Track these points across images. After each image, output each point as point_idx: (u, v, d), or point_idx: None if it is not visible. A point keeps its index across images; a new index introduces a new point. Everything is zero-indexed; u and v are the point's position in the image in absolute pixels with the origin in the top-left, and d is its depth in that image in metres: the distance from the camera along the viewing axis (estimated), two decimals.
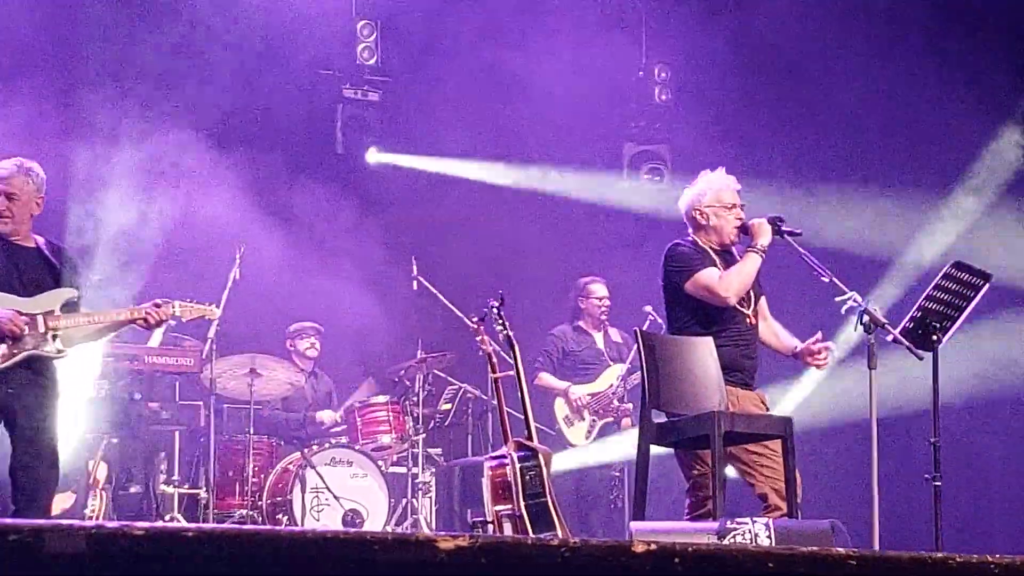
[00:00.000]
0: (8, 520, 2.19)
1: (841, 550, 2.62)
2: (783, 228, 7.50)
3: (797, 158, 13.26)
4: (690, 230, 7.65)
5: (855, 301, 7.34)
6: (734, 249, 7.59)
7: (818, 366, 7.66)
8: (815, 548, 2.63)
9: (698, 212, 7.57)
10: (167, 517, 10.11)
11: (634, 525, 6.59)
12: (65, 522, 2.18)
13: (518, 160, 13.30)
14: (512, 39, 13.00)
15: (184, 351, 10.32)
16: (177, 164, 11.64)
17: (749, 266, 7.41)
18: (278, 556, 2.30)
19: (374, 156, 13.06)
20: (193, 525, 3.36)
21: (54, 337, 7.11)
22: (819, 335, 7.67)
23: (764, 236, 7.43)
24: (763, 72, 13.33)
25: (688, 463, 7.35)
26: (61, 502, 9.12)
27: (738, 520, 6.28)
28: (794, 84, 13.25)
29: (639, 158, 13.83)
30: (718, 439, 6.71)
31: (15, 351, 6.98)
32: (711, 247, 7.52)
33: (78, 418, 9.72)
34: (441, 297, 10.80)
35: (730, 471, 7.33)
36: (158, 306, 7.42)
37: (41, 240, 7.33)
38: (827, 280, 7.43)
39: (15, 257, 7.18)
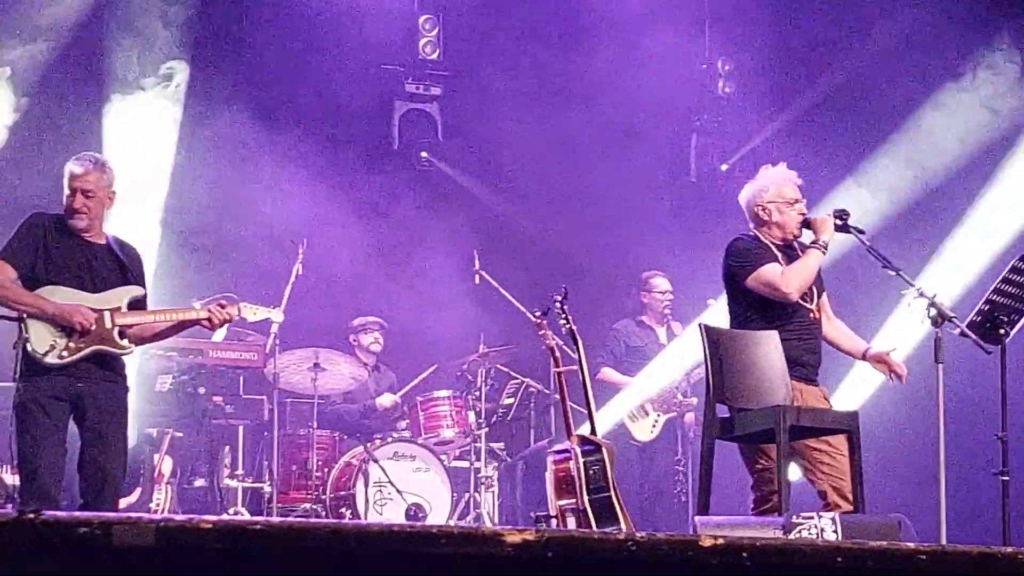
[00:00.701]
0: (78, 513, 2.20)
1: (910, 544, 2.61)
2: (849, 223, 7.45)
3: (860, 149, 13.15)
4: (751, 225, 7.60)
5: (922, 294, 7.30)
6: (796, 244, 7.54)
7: (889, 378, 7.58)
8: (884, 543, 2.61)
9: (760, 207, 7.53)
10: (231, 511, 10.16)
11: (699, 519, 6.56)
12: (134, 515, 2.20)
13: (580, 153, 13.26)
14: (575, 32, 12.99)
15: (248, 346, 10.36)
16: (237, 158, 11.71)
17: (811, 262, 7.36)
18: (344, 550, 2.30)
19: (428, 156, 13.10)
20: (260, 519, 3.37)
21: (120, 334, 7.17)
22: (895, 348, 7.63)
23: (827, 232, 7.38)
24: (825, 63, 13.26)
25: (753, 458, 7.31)
26: (126, 496, 9.19)
27: (804, 515, 6.25)
28: (855, 75, 13.15)
29: (704, 150, 13.79)
30: (783, 433, 6.69)
31: (82, 345, 7.04)
32: (773, 242, 7.47)
33: (143, 413, 9.81)
34: (503, 291, 10.78)
35: (793, 469, 7.29)
36: (222, 306, 7.46)
37: (111, 237, 7.39)
38: (894, 274, 7.38)
39: (87, 253, 7.25)
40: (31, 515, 2.13)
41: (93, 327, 7.04)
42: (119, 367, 7.30)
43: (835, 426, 7.15)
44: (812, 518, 6.18)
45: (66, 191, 7.22)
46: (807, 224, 7.48)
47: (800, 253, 7.47)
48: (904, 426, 11.55)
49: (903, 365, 7.54)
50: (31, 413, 6.98)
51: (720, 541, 2.42)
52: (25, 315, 7.01)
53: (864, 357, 7.66)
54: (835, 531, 6.14)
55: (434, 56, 12.81)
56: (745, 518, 7.14)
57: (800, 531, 6.08)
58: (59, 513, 2.18)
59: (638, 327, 11.35)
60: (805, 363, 7.39)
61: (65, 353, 7.01)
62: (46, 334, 7.00)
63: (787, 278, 7.29)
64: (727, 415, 7.17)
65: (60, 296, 7.06)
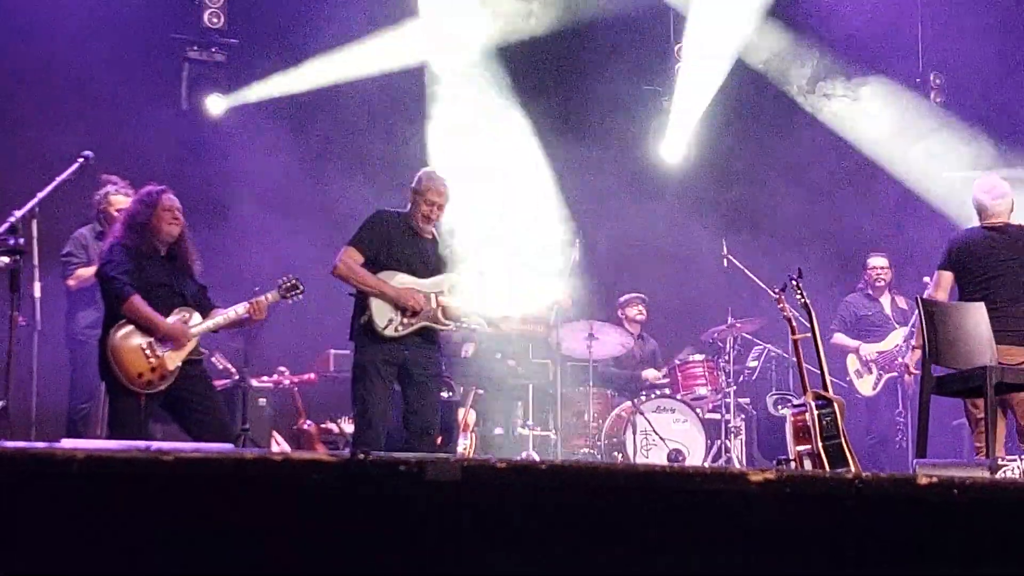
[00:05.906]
0: (399, 454, 2.28)
1: None
2: None
3: None
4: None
5: None
6: None
7: None
8: None
9: None
10: (523, 454, 10.30)
11: (917, 462, 6.44)
12: (443, 455, 2.27)
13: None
14: None
15: (535, 319, 10.47)
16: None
17: None
18: (617, 486, 2.34)
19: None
20: (546, 459, 3.43)
21: (444, 313, 7.42)
22: None
23: None
24: None
25: (972, 409, 7.22)
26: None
27: (1008, 457, 6.08)
28: None
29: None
30: (990, 389, 6.53)
31: (413, 322, 7.32)
32: None
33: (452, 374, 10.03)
34: (747, 272, 10.66)
35: None
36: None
37: (435, 231, 7.64)
38: None
39: (419, 246, 7.57)
40: (362, 455, 2.21)
41: (423, 308, 7.30)
42: (436, 337, 7.61)
43: None
44: (1015, 459, 5.99)
45: (430, 203, 7.46)
46: None
47: None
48: None
49: None
50: (368, 374, 7.28)
51: (934, 479, 2.39)
52: (369, 295, 7.30)
53: None
54: None
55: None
56: (957, 460, 7.00)
57: (1005, 471, 5.88)
58: (384, 453, 2.26)
59: (866, 299, 11.16)
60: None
61: (400, 328, 7.30)
62: (386, 311, 7.30)
63: None
64: (942, 374, 7.02)
65: (397, 280, 7.37)
